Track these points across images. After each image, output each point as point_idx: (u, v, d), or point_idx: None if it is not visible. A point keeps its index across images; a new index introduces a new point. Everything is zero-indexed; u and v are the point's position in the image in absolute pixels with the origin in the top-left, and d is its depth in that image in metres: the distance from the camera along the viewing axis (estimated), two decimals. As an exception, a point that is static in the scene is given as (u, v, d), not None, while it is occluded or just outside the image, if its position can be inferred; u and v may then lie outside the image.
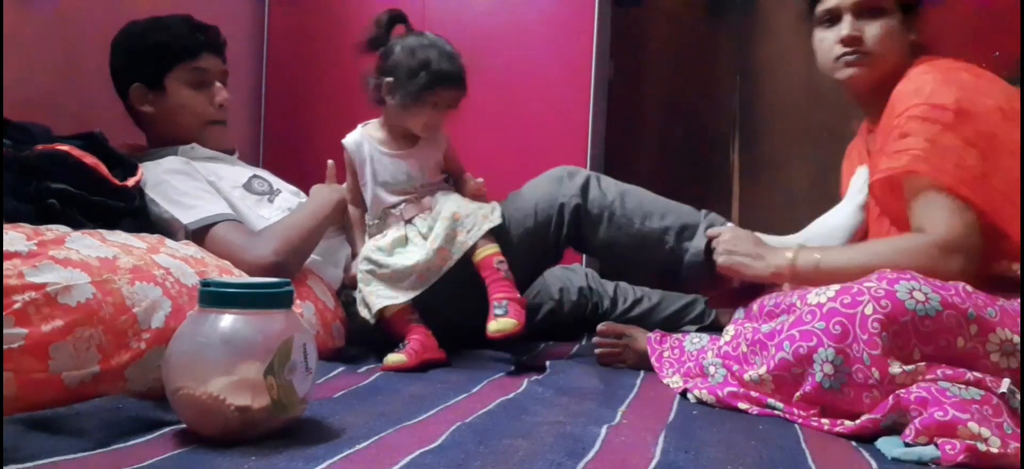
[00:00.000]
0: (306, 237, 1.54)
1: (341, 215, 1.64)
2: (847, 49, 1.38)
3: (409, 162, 1.57)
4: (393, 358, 1.41)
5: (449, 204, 1.53)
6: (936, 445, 0.98)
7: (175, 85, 1.67)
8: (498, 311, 1.42)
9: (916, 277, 1.12)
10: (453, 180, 1.66)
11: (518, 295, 1.47)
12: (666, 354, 1.46)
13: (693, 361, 1.38)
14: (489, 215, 1.53)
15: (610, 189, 1.61)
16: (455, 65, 1.52)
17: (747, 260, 1.40)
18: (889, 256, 1.22)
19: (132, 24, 1.70)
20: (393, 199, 1.57)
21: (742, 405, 1.20)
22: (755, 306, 1.43)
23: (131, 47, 1.68)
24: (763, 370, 1.19)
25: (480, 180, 1.63)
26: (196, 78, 1.68)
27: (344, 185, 1.66)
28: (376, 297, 1.48)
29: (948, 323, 1.08)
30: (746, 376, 1.21)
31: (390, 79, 1.51)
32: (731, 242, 1.44)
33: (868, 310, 1.09)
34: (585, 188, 1.60)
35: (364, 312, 1.50)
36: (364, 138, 1.58)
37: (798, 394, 1.16)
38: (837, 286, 1.16)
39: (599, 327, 1.55)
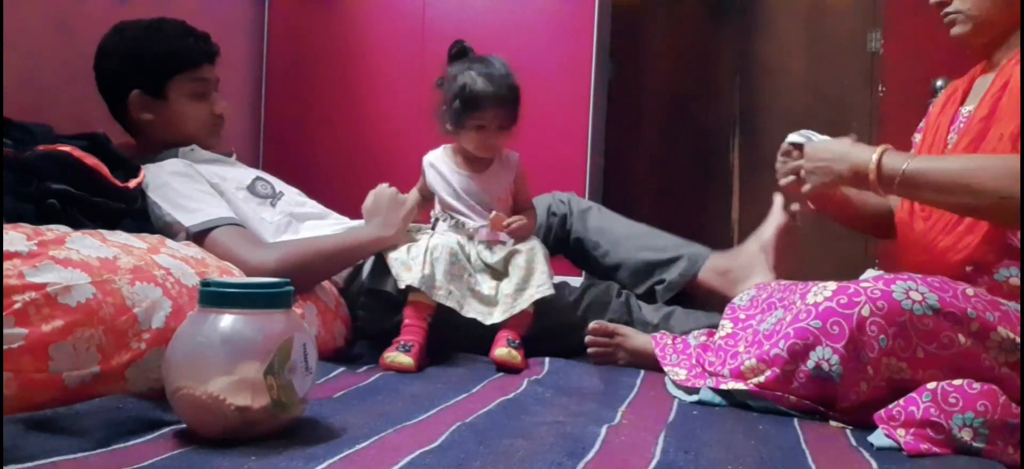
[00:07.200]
0: (322, 262, 1.52)
1: (376, 252, 1.60)
2: (944, 9, 1.32)
3: (478, 182, 1.60)
4: (400, 360, 1.40)
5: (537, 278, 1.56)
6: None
7: (176, 95, 1.65)
8: (512, 343, 1.49)
9: (912, 277, 1.12)
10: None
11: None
12: (669, 348, 1.47)
13: (698, 357, 1.39)
14: (543, 286, 1.56)
15: (606, 221, 1.79)
16: (495, 85, 1.53)
17: (828, 164, 1.29)
18: (978, 168, 1.16)
19: (125, 26, 1.66)
20: (467, 215, 1.60)
21: (742, 385, 1.22)
22: (747, 296, 1.43)
23: (130, 53, 1.63)
24: (759, 365, 1.20)
25: (521, 220, 1.61)
26: (197, 89, 1.67)
27: (398, 219, 1.60)
28: (417, 268, 1.48)
29: (947, 321, 1.08)
30: (743, 367, 1.23)
31: (444, 107, 1.58)
32: (810, 157, 1.32)
33: (865, 311, 1.09)
34: (584, 217, 1.75)
35: (398, 269, 1.50)
36: (443, 156, 1.64)
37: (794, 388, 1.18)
38: (833, 285, 1.17)
39: (590, 326, 1.56)
